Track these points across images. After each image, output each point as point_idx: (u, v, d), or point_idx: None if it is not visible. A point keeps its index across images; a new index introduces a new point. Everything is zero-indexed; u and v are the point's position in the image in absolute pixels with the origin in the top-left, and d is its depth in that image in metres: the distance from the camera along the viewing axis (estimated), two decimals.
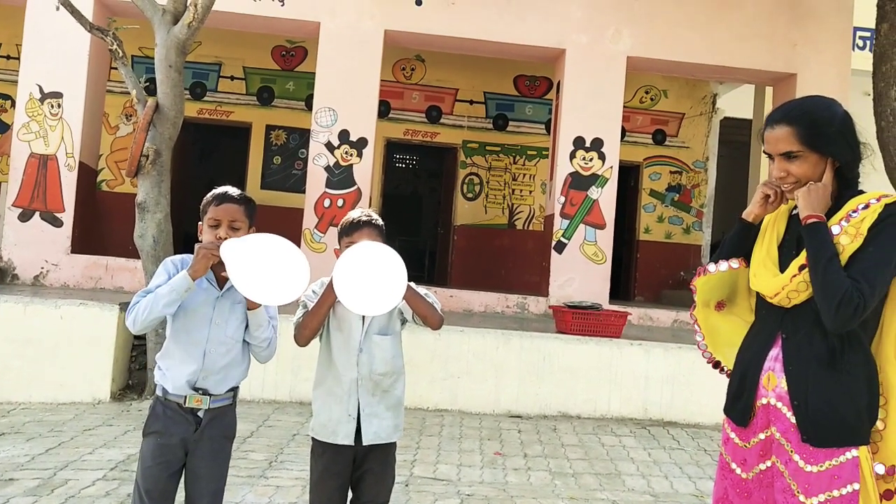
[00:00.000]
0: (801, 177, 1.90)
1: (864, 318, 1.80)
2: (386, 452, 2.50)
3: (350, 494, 2.52)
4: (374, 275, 2.19)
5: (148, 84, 5.53)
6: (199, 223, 2.41)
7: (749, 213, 2.01)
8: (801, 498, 1.79)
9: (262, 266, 2.16)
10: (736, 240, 2.03)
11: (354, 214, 2.50)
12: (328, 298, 2.36)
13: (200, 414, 2.34)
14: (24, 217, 7.27)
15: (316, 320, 2.40)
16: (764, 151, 1.99)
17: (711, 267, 2.06)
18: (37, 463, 3.98)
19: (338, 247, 2.50)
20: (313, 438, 2.49)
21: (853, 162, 1.91)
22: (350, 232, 2.45)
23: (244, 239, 2.24)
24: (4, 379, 5.28)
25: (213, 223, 2.33)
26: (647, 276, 10.48)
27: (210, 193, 2.41)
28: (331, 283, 2.31)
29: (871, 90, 6.85)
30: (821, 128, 1.88)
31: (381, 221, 2.51)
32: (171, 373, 2.33)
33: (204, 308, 2.33)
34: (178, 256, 2.42)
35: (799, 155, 1.89)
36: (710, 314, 2.10)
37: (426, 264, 11.27)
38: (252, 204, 2.43)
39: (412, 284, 2.37)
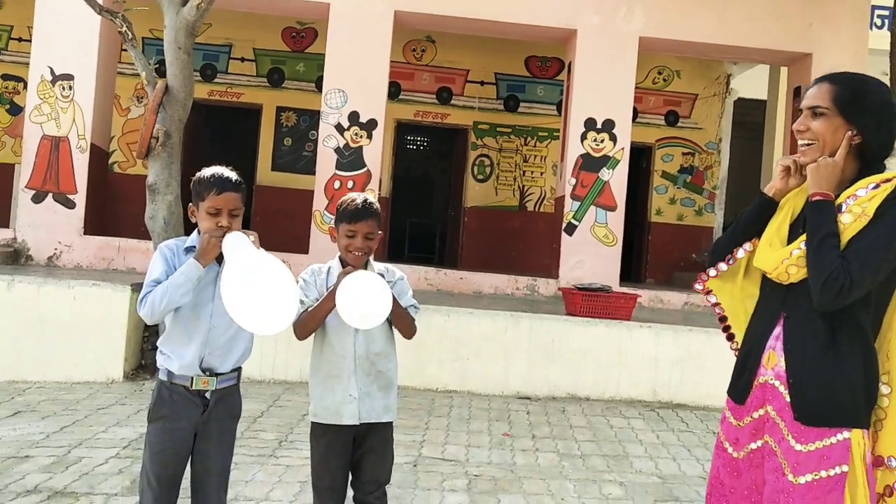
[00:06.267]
0: (818, 135, 1.88)
1: (868, 302, 1.79)
2: (385, 432, 2.56)
3: (350, 477, 2.56)
4: (368, 298, 2.35)
5: (158, 66, 5.54)
6: (191, 205, 2.39)
7: (770, 188, 1.98)
8: (790, 477, 1.79)
9: (253, 284, 2.14)
10: (753, 216, 1.99)
11: (356, 200, 2.51)
12: (328, 305, 2.41)
13: (208, 395, 2.36)
14: (38, 199, 7.33)
15: (316, 322, 2.46)
16: (798, 108, 1.97)
17: (713, 272, 2.03)
18: (51, 440, 4.04)
19: (334, 227, 2.56)
20: (313, 422, 2.53)
21: (880, 147, 1.87)
22: (351, 220, 2.48)
23: (247, 247, 2.22)
24: (20, 358, 5.36)
25: (214, 211, 2.31)
26: (659, 258, 10.43)
27: (205, 176, 2.34)
28: (333, 296, 2.36)
29: (889, 70, 6.75)
30: (858, 94, 1.86)
31: (378, 206, 2.55)
32: (178, 353, 2.34)
33: (207, 285, 2.33)
34: (172, 241, 2.43)
35: (825, 112, 1.87)
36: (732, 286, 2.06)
37: (436, 246, 11.26)
38: (245, 187, 2.44)
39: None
